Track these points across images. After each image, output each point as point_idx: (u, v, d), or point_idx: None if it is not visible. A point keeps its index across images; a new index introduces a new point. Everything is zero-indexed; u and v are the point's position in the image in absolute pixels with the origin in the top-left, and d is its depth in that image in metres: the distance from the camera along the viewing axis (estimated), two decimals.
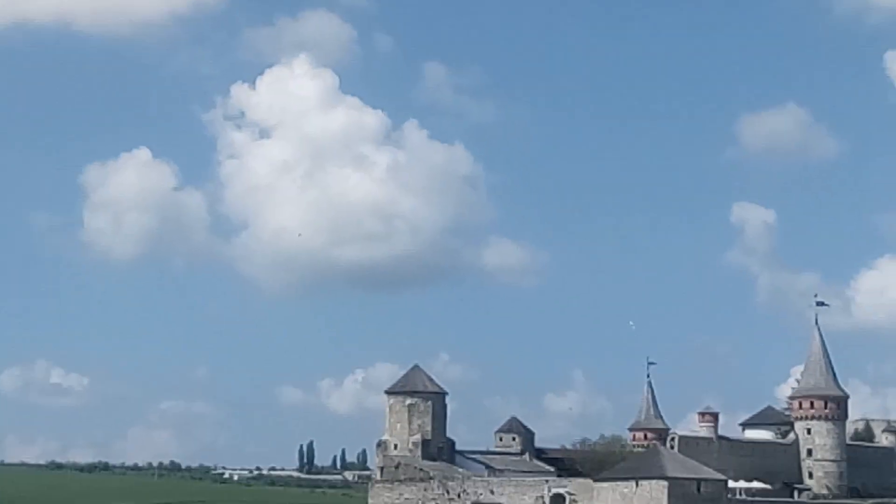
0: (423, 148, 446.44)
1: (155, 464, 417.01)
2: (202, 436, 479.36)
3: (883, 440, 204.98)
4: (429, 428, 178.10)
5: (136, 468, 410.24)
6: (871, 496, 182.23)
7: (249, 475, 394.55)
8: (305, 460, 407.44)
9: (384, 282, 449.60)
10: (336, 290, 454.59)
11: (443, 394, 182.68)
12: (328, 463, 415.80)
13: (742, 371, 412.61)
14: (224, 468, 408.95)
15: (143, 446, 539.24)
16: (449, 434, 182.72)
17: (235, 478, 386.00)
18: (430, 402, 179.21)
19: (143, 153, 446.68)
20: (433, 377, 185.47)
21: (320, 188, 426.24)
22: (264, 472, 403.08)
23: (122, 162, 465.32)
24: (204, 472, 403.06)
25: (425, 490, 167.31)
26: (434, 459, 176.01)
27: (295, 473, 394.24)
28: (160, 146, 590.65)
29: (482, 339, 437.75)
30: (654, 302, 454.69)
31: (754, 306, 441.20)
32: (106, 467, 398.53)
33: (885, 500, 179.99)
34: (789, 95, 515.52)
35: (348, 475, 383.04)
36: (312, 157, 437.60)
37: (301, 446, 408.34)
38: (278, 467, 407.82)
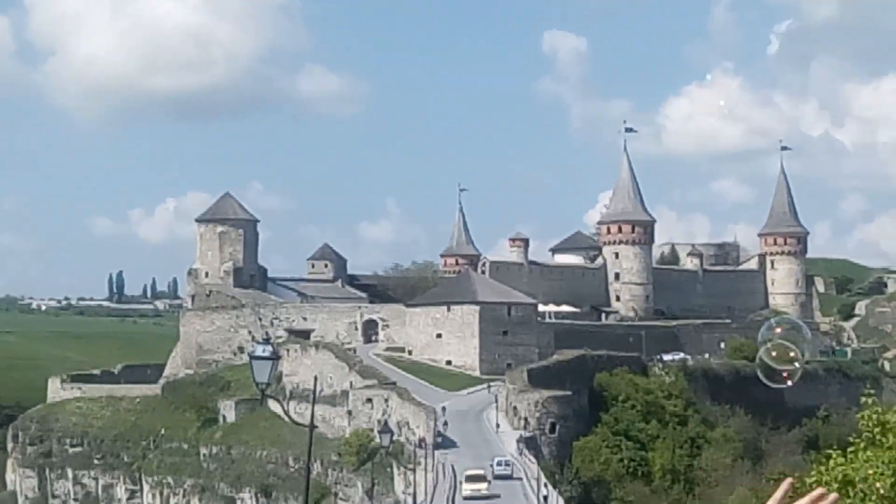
0: None
1: None
2: (11, 267, 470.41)
3: (687, 263, 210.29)
4: (240, 256, 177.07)
5: None
6: (675, 318, 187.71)
7: (58, 305, 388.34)
8: (115, 290, 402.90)
9: (198, 110, 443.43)
10: (148, 119, 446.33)
11: (254, 221, 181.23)
12: (139, 292, 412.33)
13: (552, 197, 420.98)
14: (31, 299, 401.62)
15: None
16: (261, 262, 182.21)
17: (44, 308, 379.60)
18: (241, 230, 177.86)
19: None
20: (245, 205, 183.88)
21: (132, 15, 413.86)
22: (73, 302, 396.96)
23: None
24: (10, 302, 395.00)
25: (237, 317, 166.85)
26: (246, 287, 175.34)
27: (105, 303, 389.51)
28: None
29: (296, 168, 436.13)
30: (467, 130, 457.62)
31: (566, 134, 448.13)
32: None
33: (689, 321, 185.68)
34: None
35: (159, 304, 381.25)
36: None
37: (110, 275, 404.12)
38: (87, 297, 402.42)
